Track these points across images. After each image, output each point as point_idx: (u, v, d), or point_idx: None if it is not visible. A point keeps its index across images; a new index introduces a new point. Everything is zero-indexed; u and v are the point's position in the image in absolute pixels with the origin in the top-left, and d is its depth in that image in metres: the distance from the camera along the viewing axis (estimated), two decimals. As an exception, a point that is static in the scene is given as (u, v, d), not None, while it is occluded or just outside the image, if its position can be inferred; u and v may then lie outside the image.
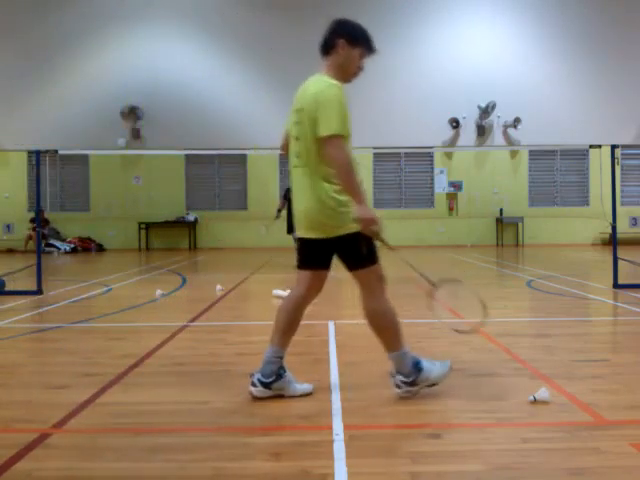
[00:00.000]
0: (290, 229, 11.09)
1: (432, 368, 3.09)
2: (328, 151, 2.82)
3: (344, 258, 3.03)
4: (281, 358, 3.07)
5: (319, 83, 2.93)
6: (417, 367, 3.05)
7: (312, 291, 3.13)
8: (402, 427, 2.70)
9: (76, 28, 18.01)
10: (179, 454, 2.40)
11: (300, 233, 3.10)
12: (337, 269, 3.27)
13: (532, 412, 2.85)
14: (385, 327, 3.03)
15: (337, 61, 3.00)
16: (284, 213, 11.18)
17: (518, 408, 2.91)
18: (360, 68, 3.07)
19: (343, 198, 2.90)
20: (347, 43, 2.99)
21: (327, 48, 3.02)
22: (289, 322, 3.09)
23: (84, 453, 2.45)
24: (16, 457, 2.37)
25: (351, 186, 2.84)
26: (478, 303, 3.04)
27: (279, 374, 3.04)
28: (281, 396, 3.07)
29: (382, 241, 3.00)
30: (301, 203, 3.01)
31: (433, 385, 3.09)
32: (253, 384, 3.04)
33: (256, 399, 3.05)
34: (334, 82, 2.91)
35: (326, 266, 3.12)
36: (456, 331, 3.59)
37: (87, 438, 2.60)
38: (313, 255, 3.10)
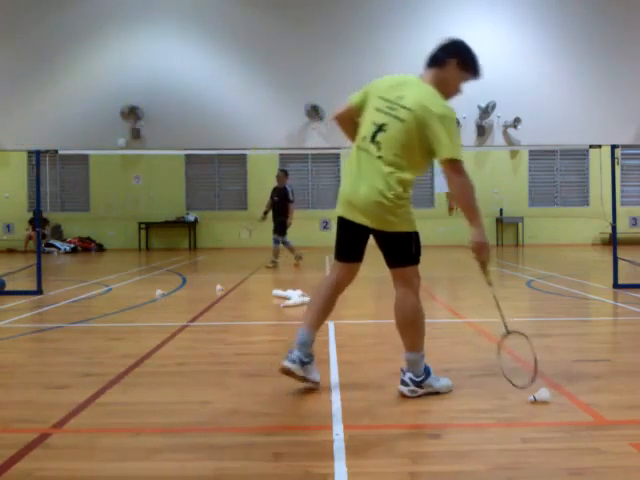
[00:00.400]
0: (276, 230, 11.04)
1: (438, 378, 3.17)
2: (450, 174, 2.93)
3: (392, 253, 3.07)
4: (312, 341, 3.18)
5: (432, 95, 3.00)
6: (427, 371, 3.11)
7: (345, 282, 3.24)
8: (402, 427, 2.70)
9: (76, 28, 18.00)
10: (179, 454, 2.40)
11: (353, 217, 3.07)
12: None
13: (532, 412, 2.85)
14: (417, 325, 3.08)
15: (442, 77, 3.09)
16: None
17: (518, 408, 2.91)
18: (460, 92, 3.18)
19: (406, 197, 2.99)
20: (458, 65, 3.10)
21: (436, 62, 3.11)
22: (325, 306, 3.24)
23: (84, 453, 2.45)
24: (16, 457, 2.37)
25: (471, 209, 2.96)
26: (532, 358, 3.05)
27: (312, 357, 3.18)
28: (281, 396, 3.07)
29: (485, 270, 3.10)
30: (366, 189, 2.98)
31: (435, 393, 3.11)
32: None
33: (256, 396, 3.05)
34: (447, 103, 3.01)
35: (361, 259, 3.22)
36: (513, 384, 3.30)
37: (87, 438, 2.60)
38: (356, 246, 3.17)
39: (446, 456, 2.36)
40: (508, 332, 3.24)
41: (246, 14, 17.67)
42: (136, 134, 18.10)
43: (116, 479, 2.22)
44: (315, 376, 3.19)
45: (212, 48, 17.95)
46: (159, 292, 7.17)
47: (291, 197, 11.07)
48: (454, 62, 3.09)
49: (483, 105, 17.47)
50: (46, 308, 6.41)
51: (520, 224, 18.33)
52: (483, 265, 3.06)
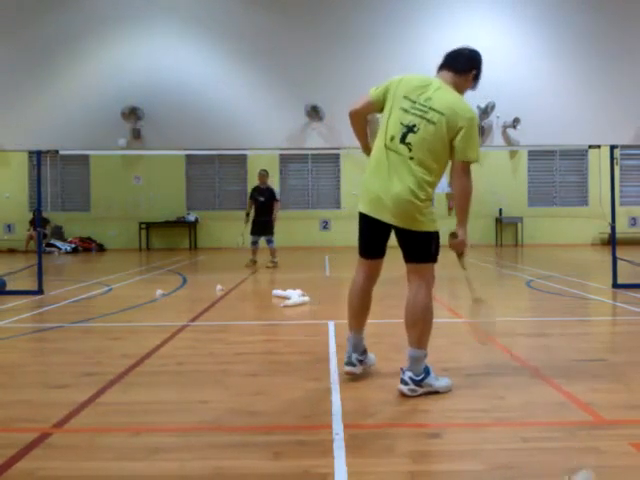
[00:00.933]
0: (266, 230, 10.97)
1: (438, 377, 3.21)
2: (462, 174, 3.11)
3: (413, 250, 3.18)
4: (362, 339, 3.44)
5: (460, 99, 3.16)
6: (426, 370, 3.15)
7: (373, 277, 3.40)
8: (402, 426, 2.70)
9: (77, 28, 17.97)
10: (179, 454, 2.41)
11: (380, 216, 3.14)
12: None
13: (531, 412, 2.85)
14: (426, 322, 3.15)
15: (459, 83, 3.23)
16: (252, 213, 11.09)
17: (517, 408, 2.91)
18: None
19: (431, 199, 3.15)
20: (473, 77, 3.29)
21: (459, 68, 3.23)
22: (364, 306, 3.41)
23: (84, 453, 2.45)
24: (17, 457, 2.37)
25: (466, 209, 3.19)
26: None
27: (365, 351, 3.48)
28: (281, 395, 3.08)
29: (462, 260, 3.40)
30: (397, 188, 3.05)
31: (435, 392, 3.14)
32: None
33: (255, 396, 3.05)
34: (471, 107, 3.17)
35: (384, 253, 3.37)
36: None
37: (87, 438, 2.61)
38: (379, 242, 3.29)
39: (446, 455, 2.37)
40: (476, 299, 3.52)
41: (247, 14, 17.65)
42: (137, 134, 18.06)
43: (116, 478, 2.23)
44: (372, 361, 3.56)
45: (213, 48, 17.93)
46: (159, 292, 7.18)
47: (278, 196, 11.14)
48: (473, 73, 3.27)
49: (483, 105, 17.47)
50: (47, 308, 6.41)
51: (519, 224, 18.34)
52: (461, 255, 3.36)
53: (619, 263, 7.45)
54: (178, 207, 18.62)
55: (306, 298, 6.51)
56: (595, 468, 2.23)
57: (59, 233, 18.09)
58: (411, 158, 3.04)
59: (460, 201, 3.17)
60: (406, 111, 3.08)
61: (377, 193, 3.12)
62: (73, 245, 17.43)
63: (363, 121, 3.30)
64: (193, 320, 5.51)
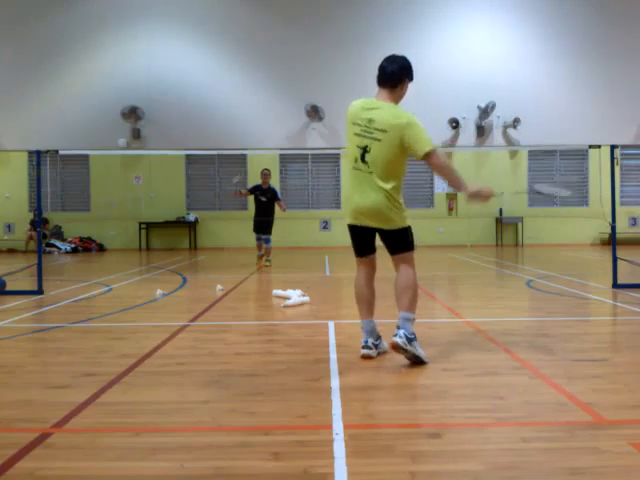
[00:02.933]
0: (267, 230, 11.11)
1: (420, 346, 3.75)
2: (433, 162, 3.65)
3: (395, 244, 3.81)
4: (375, 325, 3.96)
5: (394, 111, 3.68)
6: (414, 335, 3.71)
7: (372, 271, 4.00)
8: (402, 426, 2.70)
9: (76, 28, 17.97)
10: (179, 454, 2.41)
11: (363, 223, 3.78)
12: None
13: (532, 412, 2.85)
14: (415, 290, 3.79)
15: (399, 94, 3.80)
16: (252, 214, 11.35)
17: (518, 408, 2.91)
18: None
19: (400, 200, 3.73)
20: (408, 80, 3.83)
21: (395, 83, 3.76)
22: (370, 295, 3.95)
23: (84, 453, 2.45)
24: (17, 456, 2.37)
25: (456, 181, 3.71)
26: None
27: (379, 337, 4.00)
28: (281, 395, 3.08)
29: (489, 196, 3.74)
30: (369, 200, 3.67)
31: (416, 361, 3.67)
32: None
33: (255, 396, 3.05)
34: (405, 110, 3.72)
35: (375, 249, 3.98)
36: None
37: (87, 438, 2.61)
38: (368, 243, 3.91)
39: (446, 455, 2.37)
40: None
41: (247, 14, 17.65)
42: (137, 134, 18.06)
43: (116, 478, 2.22)
44: (385, 347, 3.98)
45: (213, 48, 17.92)
46: (159, 292, 7.18)
47: (280, 196, 11.39)
48: (407, 80, 3.81)
49: (483, 105, 17.44)
50: (47, 308, 6.41)
51: (519, 224, 18.34)
52: (489, 197, 3.75)
53: (619, 263, 7.45)
54: (178, 207, 18.63)
55: (306, 298, 6.50)
56: (595, 468, 2.23)
57: (58, 233, 18.09)
58: (370, 173, 3.65)
59: (448, 178, 3.76)
60: (358, 135, 3.69)
61: (357, 205, 3.73)
62: (73, 245, 17.44)
63: None
64: (193, 320, 5.51)
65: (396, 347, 3.62)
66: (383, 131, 3.61)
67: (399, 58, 3.82)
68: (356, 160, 3.70)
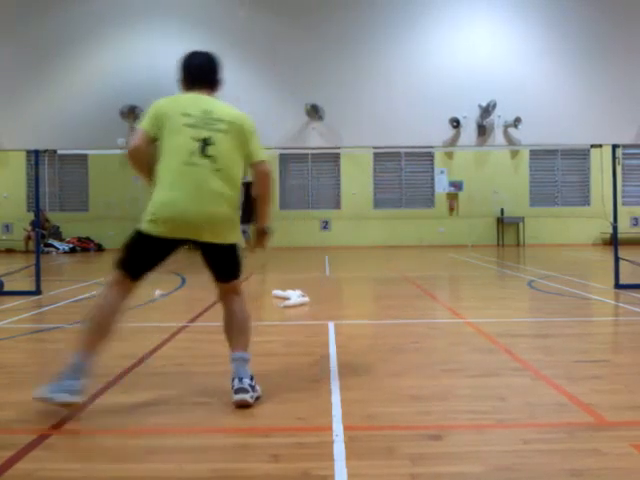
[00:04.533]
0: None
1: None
2: (264, 171, 3.14)
3: (228, 266, 3.17)
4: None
5: (234, 109, 3.15)
6: (253, 377, 3.09)
7: (129, 299, 3.09)
8: (402, 428, 2.69)
9: (75, 27, 17.97)
10: (178, 455, 2.39)
11: (182, 235, 2.97)
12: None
13: (532, 413, 2.84)
14: (251, 329, 3.21)
15: (217, 96, 3.25)
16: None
17: (518, 409, 2.90)
18: None
19: (238, 207, 3.13)
20: (221, 80, 3.34)
21: (215, 85, 3.24)
22: (113, 329, 3.04)
23: (84, 453, 2.44)
24: (16, 457, 2.36)
25: (270, 202, 3.24)
26: None
27: None
28: (280, 397, 3.06)
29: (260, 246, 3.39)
30: (206, 205, 2.94)
31: (257, 398, 3.04)
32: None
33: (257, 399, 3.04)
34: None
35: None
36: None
37: (86, 438, 2.60)
38: (161, 262, 3.10)
39: (446, 457, 2.35)
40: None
41: (247, 14, 17.65)
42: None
43: (115, 479, 2.22)
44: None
45: (212, 47, 17.89)
46: (158, 292, 7.16)
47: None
48: (222, 79, 3.31)
49: (484, 104, 17.41)
50: (45, 308, 6.40)
51: (521, 224, 18.32)
52: (264, 245, 3.37)
53: (621, 263, 7.43)
54: (178, 207, 18.65)
55: (306, 298, 6.49)
56: (596, 470, 2.22)
57: (56, 233, 18.08)
58: (217, 170, 2.97)
59: (268, 194, 3.20)
60: (193, 126, 2.98)
61: (185, 212, 2.91)
62: (71, 245, 17.42)
63: (147, 157, 3.05)
64: (192, 321, 5.49)
65: (245, 404, 2.93)
66: (230, 122, 3.04)
67: (209, 58, 3.29)
68: (192, 154, 2.94)
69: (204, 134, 2.98)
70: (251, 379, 3.03)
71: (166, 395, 3.19)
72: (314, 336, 4.72)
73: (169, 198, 2.94)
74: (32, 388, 3.37)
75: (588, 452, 2.37)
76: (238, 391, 2.95)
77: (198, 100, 3.10)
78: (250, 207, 11.31)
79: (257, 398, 3.03)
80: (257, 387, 3.06)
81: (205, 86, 3.19)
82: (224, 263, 3.14)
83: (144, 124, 3.08)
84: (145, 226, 3.00)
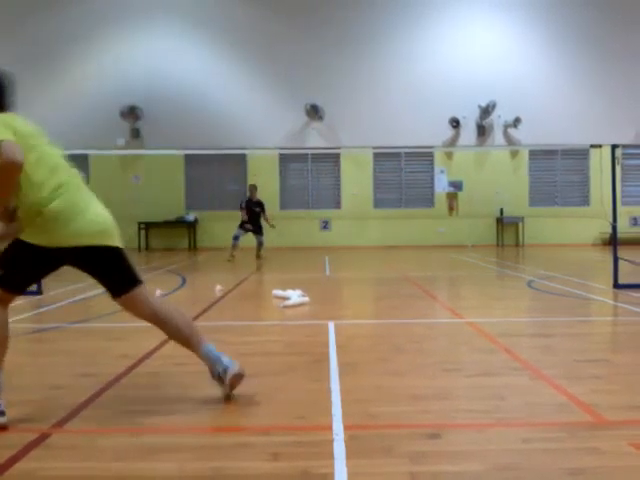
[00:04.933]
0: (259, 230, 13.37)
1: None
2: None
3: (116, 275, 3.44)
4: None
5: None
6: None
7: (7, 311, 2.96)
8: (402, 427, 2.69)
9: (76, 28, 18.01)
10: (179, 454, 2.40)
11: (75, 242, 3.16)
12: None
13: (532, 412, 2.84)
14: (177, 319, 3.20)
15: None
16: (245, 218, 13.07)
17: (518, 408, 2.90)
18: None
19: None
20: None
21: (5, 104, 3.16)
22: (6, 343, 2.87)
23: (84, 453, 2.45)
24: (16, 457, 2.37)
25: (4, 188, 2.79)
26: None
27: None
28: (280, 396, 3.07)
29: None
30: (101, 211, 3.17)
31: None
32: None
33: (255, 396, 3.04)
34: None
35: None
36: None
37: (87, 438, 2.60)
38: (43, 276, 3.30)
39: (446, 456, 2.36)
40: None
41: (247, 15, 17.67)
42: (136, 134, 18.08)
43: (115, 479, 2.22)
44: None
45: (212, 48, 17.95)
46: (159, 292, 7.16)
47: (266, 209, 13.53)
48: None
49: (483, 105, 17.46)
50: (45, 308, 6.40)
51: (520, 224, 18.32)
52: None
53: (620, 263, 7.44)
54: (177, 207, 18.61)
55: (306, 298, 6.50)
56: (596, 469, 2.22)
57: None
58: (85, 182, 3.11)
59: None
60: (51, 144, 3.01)
61: (110, 220, 3.24)
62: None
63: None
64: (193, 320, 5.49)
65: (239, 376, 3.07)
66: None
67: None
68: (73, 168, 3.03)
69: (59, 151, 3.03)
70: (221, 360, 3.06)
71: (166, 395, 3.20)
72: (314, 336, 4.73)
73: (92, 209, 3.20)
74: (32, 388, 3.38)
75: (587, 451, 2.38)
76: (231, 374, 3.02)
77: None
78: (257, 226, 11.79)
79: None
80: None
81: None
82: (108, 270, 3.45)
83: (8, 136, 2.74)
84: None
